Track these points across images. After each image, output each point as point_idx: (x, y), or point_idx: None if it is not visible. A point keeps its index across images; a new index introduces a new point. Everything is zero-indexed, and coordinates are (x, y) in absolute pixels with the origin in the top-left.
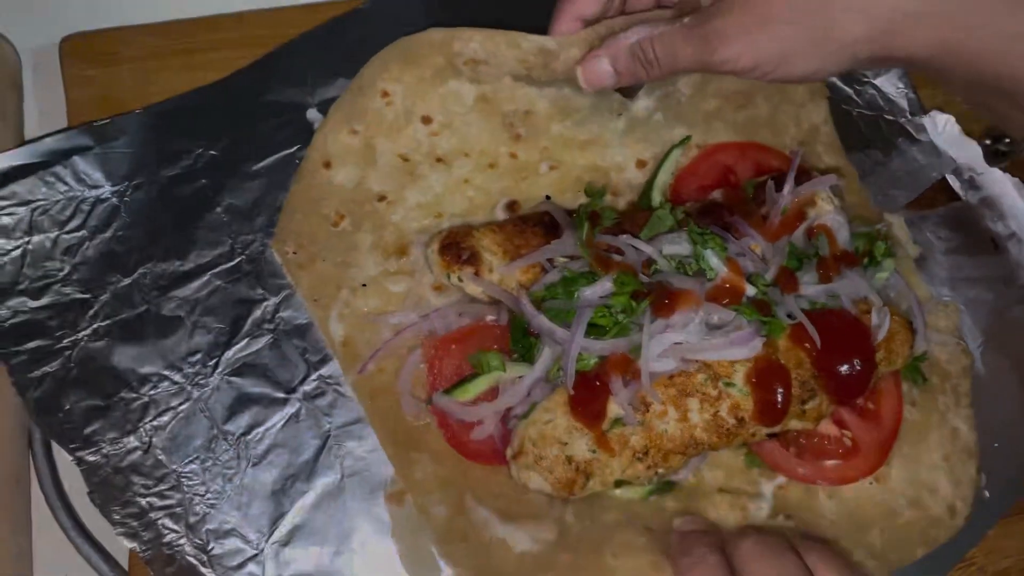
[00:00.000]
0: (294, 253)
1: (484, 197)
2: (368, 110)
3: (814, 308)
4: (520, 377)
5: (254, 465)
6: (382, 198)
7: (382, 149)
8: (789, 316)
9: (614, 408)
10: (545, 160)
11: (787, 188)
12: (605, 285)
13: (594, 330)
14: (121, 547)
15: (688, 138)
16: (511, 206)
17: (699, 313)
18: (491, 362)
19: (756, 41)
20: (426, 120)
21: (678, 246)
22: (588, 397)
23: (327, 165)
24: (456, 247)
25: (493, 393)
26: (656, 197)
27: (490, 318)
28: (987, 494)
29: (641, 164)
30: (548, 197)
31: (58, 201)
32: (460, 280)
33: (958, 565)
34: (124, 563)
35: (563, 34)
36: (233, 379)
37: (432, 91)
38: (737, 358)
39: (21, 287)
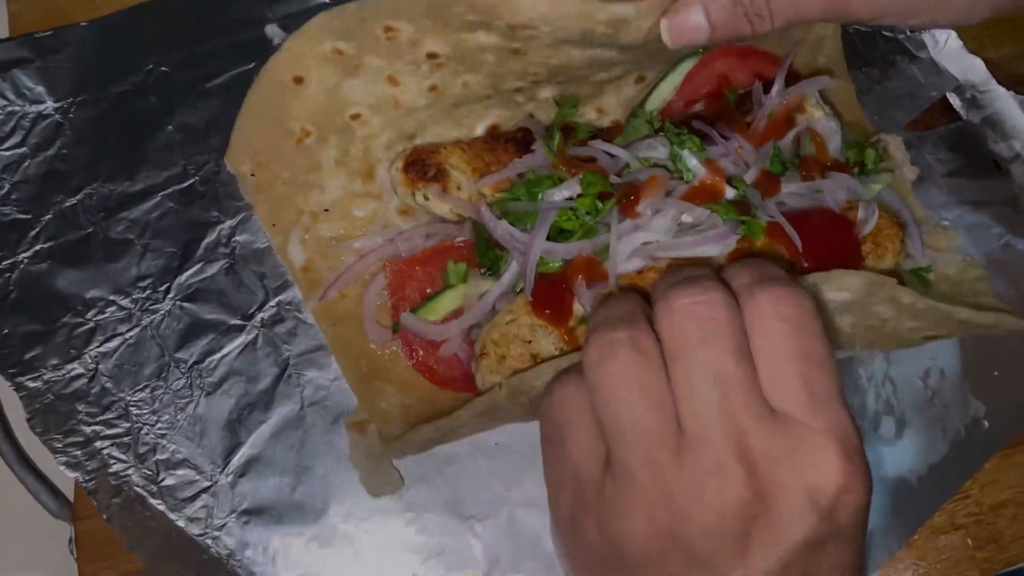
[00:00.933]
0: (252, 175)
1: (472, 122)
2: (365, 35)
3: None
4: (486, 291)
5: (208, 394)
6: (356, 116)
7: (370, 66)
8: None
9: (579, 307)
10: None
11: (775, 90)
12: (571, 187)
13: (561, 236)
14: (68, 481)
15: (704, 49)
16: (492, 129)
17: (670, 212)
18: (458, 271)
19: None
20: (432, 55)
21: (654, 151)
22: (551, 298)
23: (298, 80)
24: (421, 164)
25: (460, 312)
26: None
27: (459, 240)
28: (986, 424)
29: (640, 80)
30: (531, 115)
31: None
32: (426, 199)
33: (954, 498)
34: (71, 496)
35: None
36: (186, 305)
37: (452, 35)
38: (710, 255)
39: None
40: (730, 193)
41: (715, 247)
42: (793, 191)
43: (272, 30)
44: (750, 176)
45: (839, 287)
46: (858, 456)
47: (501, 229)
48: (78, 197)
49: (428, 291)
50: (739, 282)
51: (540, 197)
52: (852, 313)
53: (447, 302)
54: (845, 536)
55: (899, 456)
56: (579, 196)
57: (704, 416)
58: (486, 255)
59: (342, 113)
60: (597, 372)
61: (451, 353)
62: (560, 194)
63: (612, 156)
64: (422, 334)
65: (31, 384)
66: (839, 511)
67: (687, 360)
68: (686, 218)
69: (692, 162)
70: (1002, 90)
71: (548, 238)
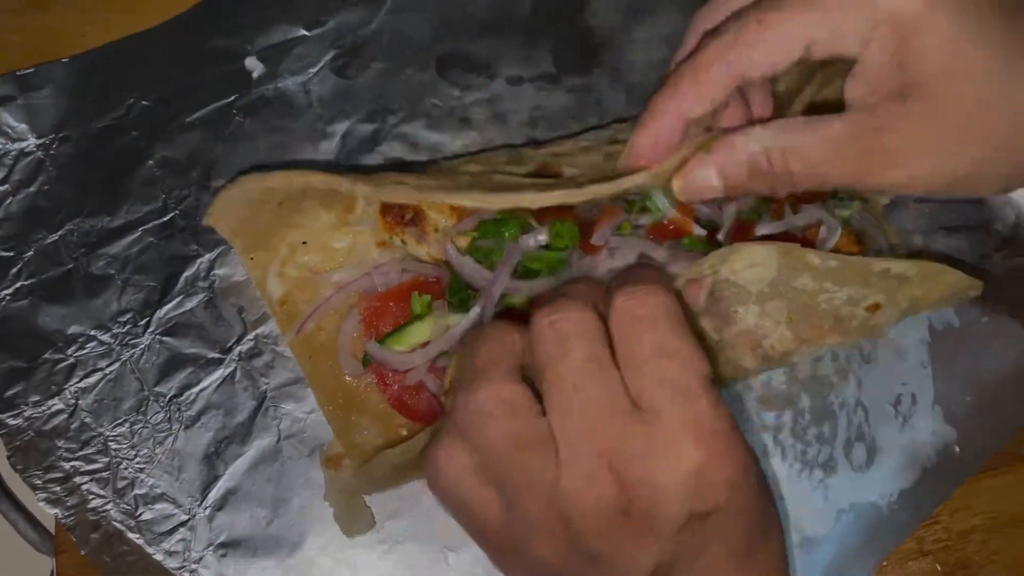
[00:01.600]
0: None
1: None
2: None
3: None
4: (455, 324)
5: (186, 428)
6: None
7: None
8: None
9: None
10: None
11: None
12: (541, 234)
13: (528, 275)
14: (49, 514)
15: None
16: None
17: (633, 251)
18: (423, 302)
19: (939, 163)
20: None
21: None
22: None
23: None
24: (399, 207)
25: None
26: None
27: (434, 276)
28: (957, 450)
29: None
30: None
31: None
32: (403, 243)
33: (923, 524)
34: (52, 528)
35: (653, 145)
36: (165, 339)
37: None
38: None
39: None
40: (698, 231)
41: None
42: (765, 232)
43: (252, 63)
44: (725, 223)
45: (748, 262)
46: (714, 437)
47: (466, 266)
48: (60, 233)
49: (399, 324)
50: (601, 292)
51: (506, 236)
52: (779, 296)
53: (415, 334)
54: (728, 512)
55: (870, 482)
56: (548, 248)
57: (572, 433)
58: (457, 294)
59: None
60: (478, 437)
61: (415, 381)
62: (529, 241)
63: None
64: (387, 363)
65: (11, 421)
66: (706, 492)
67: (550, 375)
68: (655, 255)
69: (661, 200)
70: None
71: (516, 274)
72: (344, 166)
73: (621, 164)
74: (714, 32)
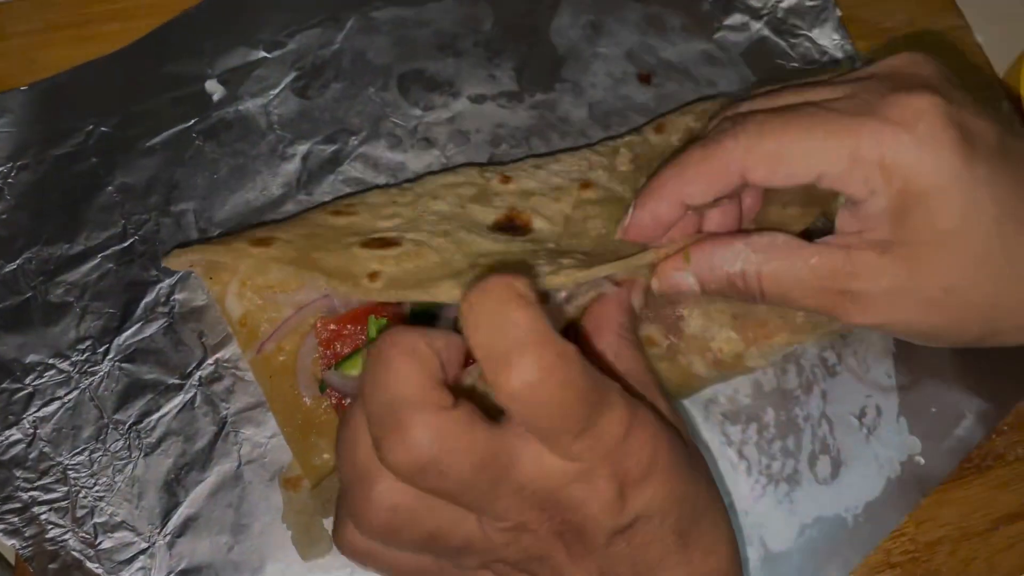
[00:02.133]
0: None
1: None
2: None
3: None
4: None
5: (146, 455)
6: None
7: None
8: None
9: None
10: None
11: None
12: None
13: None
14: (7, 546)
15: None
16: None
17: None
18: (379, 325)
19: (910, 321)
20: None
21: None
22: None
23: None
24: None
25: None
26: None
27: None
28: (921, 461)
29: None
30: None
31: None
32: None
33: (890, 535)
34: (12, 560)
35: (652, 225)
36: (125, 365)
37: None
38: None
39: None
40: None
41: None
42: None
43: (212, 86)
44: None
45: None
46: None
47: None
48: (18, 262)
49: (357, 347)
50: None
51: None
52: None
53: None
54: (648, 516)
55: (835, 495)
56: None
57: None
58: (419, 317)
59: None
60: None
61: None
62: None
63: None
64: (341, 389)
65: None
66: (624, 507)
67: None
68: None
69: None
70: None
71: None
72: (302, 190)
73: (618, 236)
74: (735, 125)
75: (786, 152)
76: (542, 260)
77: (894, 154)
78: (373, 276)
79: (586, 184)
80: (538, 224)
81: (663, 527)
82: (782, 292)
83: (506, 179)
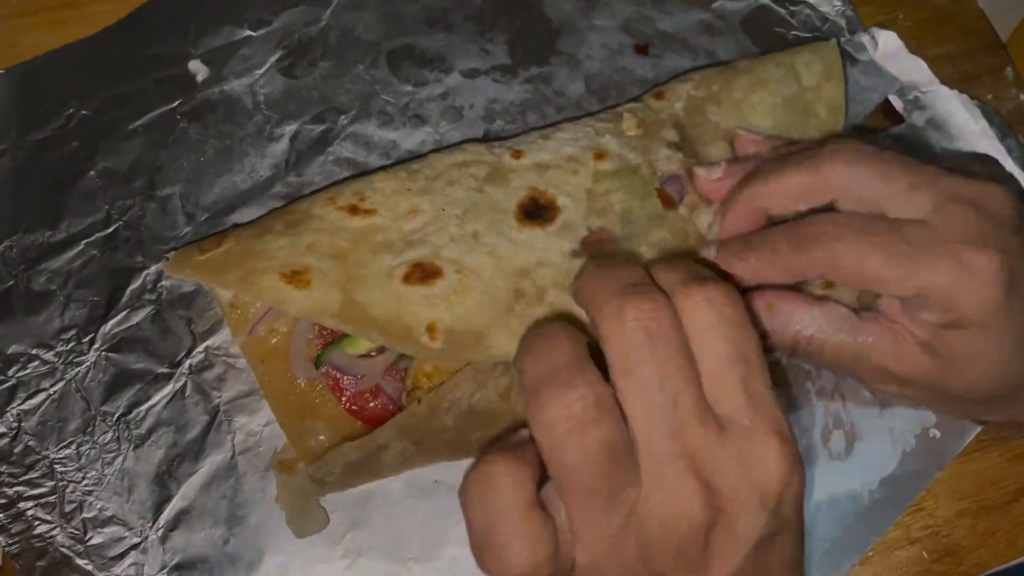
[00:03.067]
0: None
1: None
2: None
3: None
4: None
5: (136, 447)
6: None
7: None
8: None
9: None
10: None
11: None
12: None
13: None
14: None
15: None
16: None
17: None
18: None
19: (932, 405)
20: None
21: None
22: None
23: None
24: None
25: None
26: None
27: None
28: (936, 434)
29: None
30: None
31: None
32: None
33: (908, 511)
34: None
35: (734, 230)
36: (112, 355)
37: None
38: None
39: None
40: None
41: None
42: None
43: (196, 66)
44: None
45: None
46: (793, 447)
47: None
48: None
49: None
50: (670, 279)
51: None
52: None
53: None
54: (790, 528)
55: (850, 471)
56: None
57: (658, 435)
58: None
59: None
60: (563, 453)
61: (372, 384)
62: None
63: None
64: (343, 369)
65: None
66: (784, 505)
67: (639, 379)
68: None
69: None
70: (945, 89)
71: None
72: (291, 171)
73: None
74: (840, 220)
75: (867, 276)
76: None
77: (957, 290)
78: (431, 330)
79: (599, 154)
80: (562, 201)
81: (791, 546)
82: (838, 361)
83: (517, 153)
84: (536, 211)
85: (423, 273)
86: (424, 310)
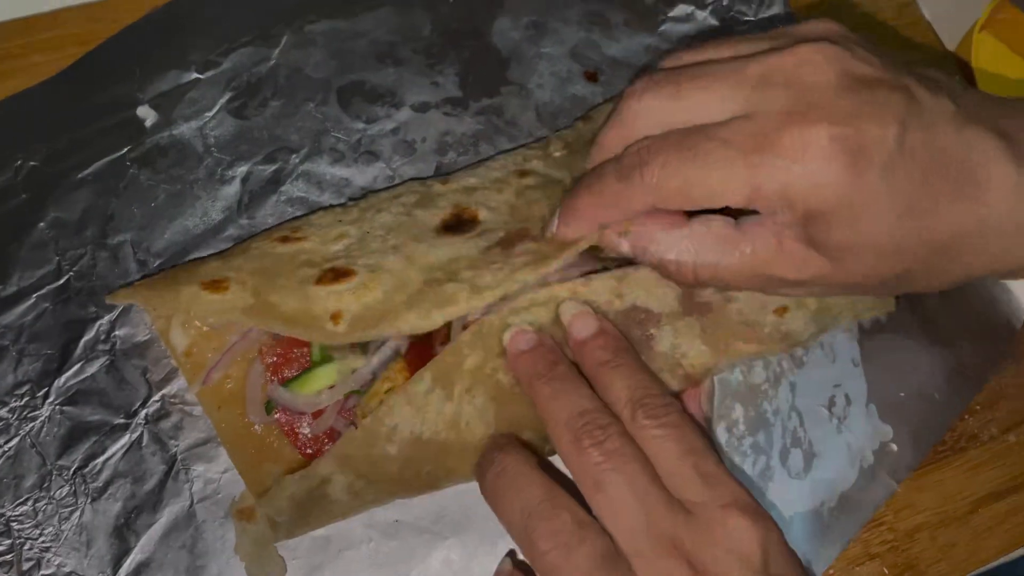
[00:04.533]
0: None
1: None
2: None
3: None
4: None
5: (93, 500)
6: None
7: None
8: None
9: None
10: None
11: None
12: None
13: None
14: None
15: None
16: None
17: None
18: (323, 346)
19: (831, 294)
20: None
21: None
22: (427, 359)
23: None
24: None
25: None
26: None
27: None
28: (894, 447)
29: None
30: None
31: None
32: None
33: (867, 526)
34: None
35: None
36: (66, 408)
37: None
38: None
39: None
40: None
41: None
42: None
43: (144, 111)
44: None
45: (645, 288)
46: (755, 508)
47: None
48: None
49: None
50: (615, 401)
51: None
52: (688, 312)
53: (321, 377)
54: None
55: (809, 488)
56: None
57: (638, 533)
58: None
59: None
60: (560, 571)
61: (325, 429)
62: None
63: None
64: (292, 406)
65: None
66: (771, 562)
67: (608, 489)
68: None
69: None
70: None
71: None
72: (243, 213)
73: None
74: (642, 160)
75: (692, 190)
76: (496, 260)
77: (789, 186)
78: (336, 317)
79: (523, 173)
80: (484, 215)
81: None
82: (715, 278)
83: (445, 181)
84: (457, 224)
85: (335, 275)
86: (332, 303)
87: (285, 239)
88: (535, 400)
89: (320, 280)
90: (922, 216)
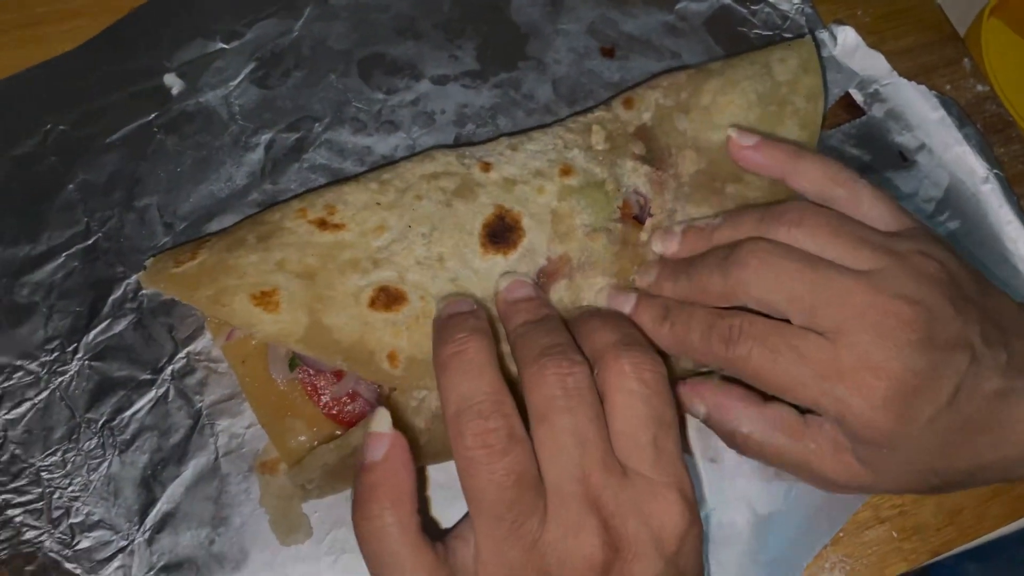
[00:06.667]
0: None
1: None
2: None
3: None
4: None
5: (121, 452)
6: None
7: None
8: None
9: None
10: None
11: None
12: None
13: None
14: None
15: None
16: None
17: None
18: None
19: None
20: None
21: None
22: None
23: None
24: None
25: None
26: None
27: None
28: None
29: None
30: None
31: None
32: None
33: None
34: None
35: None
36: (95, 364)
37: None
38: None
39: None
40: None
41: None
42: None
43: (171, 79)
44: None
45: None
46: (693, 505)
47: None
48: None
49: None
50: (600, 342)
51: None
52: None
53: None
54: None
55: None
56: None
57: (565, 476)
58: None
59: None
60: (475, 477)
61: (347, 391)
62: None
63: None
64: (313, 364)
65: None
66: (681, 556)
67: (553, 425)
68: None
69: None
70: (904, 81)
71: None
72: (267, 179)
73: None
74: (747, 327)
75: (766, 380)
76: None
77: (846, 414)
78: (392, 358)
79: (566, 169)
80: (526, 223)
81: None
82: (779, 461)
83: (486, 166)
84: (501, 232)
85: (388, 298)
86: (387, 336)
87: (323, 223)
88: (516, 342)
89: (373, 303)
90: (954, 453)
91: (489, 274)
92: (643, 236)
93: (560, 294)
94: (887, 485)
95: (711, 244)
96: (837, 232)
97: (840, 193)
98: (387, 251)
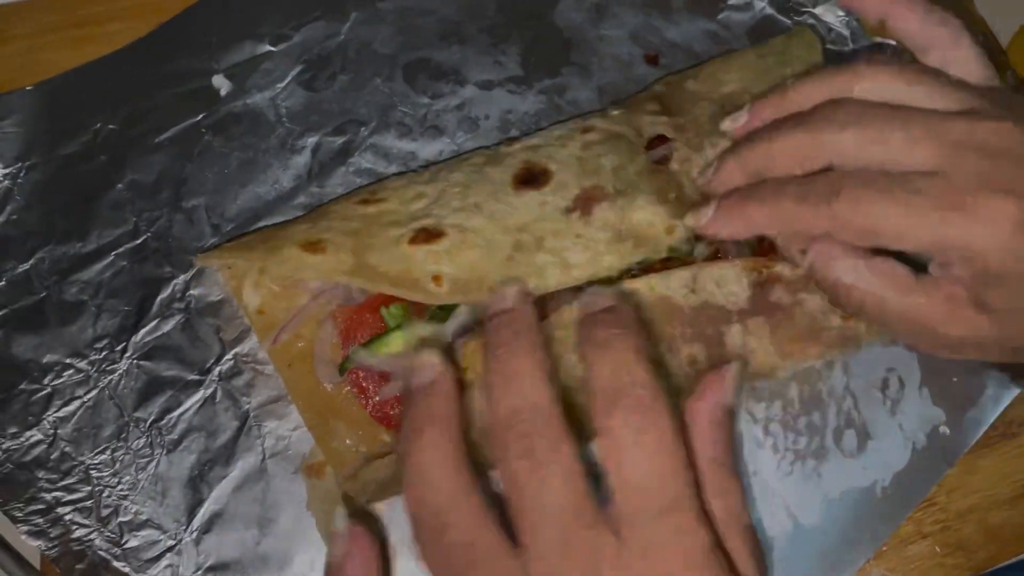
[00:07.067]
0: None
1: None
2: None
3: None
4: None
5: (168, 452)
6: None
7: None
8: None
9: None
10: None
11: None
12: None
13: None
14: (33, 548)
15: None
16: None
17: None
18: (392, 314)
19: (989, 357)
20: None
21: None
22: None
23: None
24: None
25: None
26: None
27: None
28: (946, 431)
29: None
30: None
31: None
32: None
33: (920, 506)
34: (37, 563)
35: (724, 232)
36: (143, 363)
37: None
38: None
39: None
40: None
41: None
42: None
43: (219, 80)
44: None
45: (717, 280)
46: (706, 556)
47: None
48: (30, 262)
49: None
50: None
51: None
52: (758, 311)
53: (390, 344)
54: None
55: (863, 467)
56: None
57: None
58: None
59: None
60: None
61: (396, 393)
62: None
63: None
64: (372, 366)
65: None
66: None
67: (525, 512)
68: None
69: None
70: None
71: None
72: (313, 182)
73: (691, 223)
74: (831, 190)
75: (880, 226)
76: (580, 231)
77: (973, 243)
78: (437, 279)
79: (586, 129)
80: (554, 167)
81: None
82: (881, 317)
83: (511, 141)
84: (531, 178)
85: (427, 235)
86: (429, 264)
87: (365, 201)
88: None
89: (414, 240)
90: None
91: (525, 205)
92: (674, 166)
93: (604, 214)
94: (1010, 332)
95: (782, 112)
96: (920, 78)
97: (943, 32)
98: (425, 210)
